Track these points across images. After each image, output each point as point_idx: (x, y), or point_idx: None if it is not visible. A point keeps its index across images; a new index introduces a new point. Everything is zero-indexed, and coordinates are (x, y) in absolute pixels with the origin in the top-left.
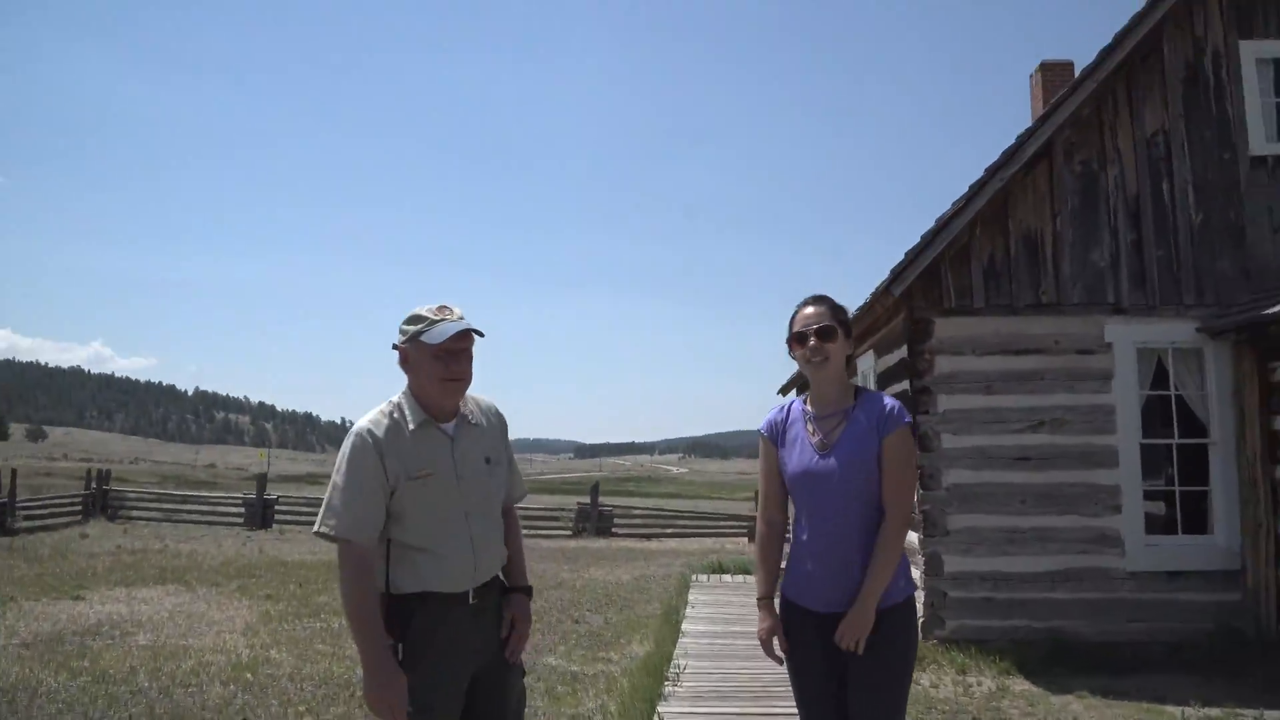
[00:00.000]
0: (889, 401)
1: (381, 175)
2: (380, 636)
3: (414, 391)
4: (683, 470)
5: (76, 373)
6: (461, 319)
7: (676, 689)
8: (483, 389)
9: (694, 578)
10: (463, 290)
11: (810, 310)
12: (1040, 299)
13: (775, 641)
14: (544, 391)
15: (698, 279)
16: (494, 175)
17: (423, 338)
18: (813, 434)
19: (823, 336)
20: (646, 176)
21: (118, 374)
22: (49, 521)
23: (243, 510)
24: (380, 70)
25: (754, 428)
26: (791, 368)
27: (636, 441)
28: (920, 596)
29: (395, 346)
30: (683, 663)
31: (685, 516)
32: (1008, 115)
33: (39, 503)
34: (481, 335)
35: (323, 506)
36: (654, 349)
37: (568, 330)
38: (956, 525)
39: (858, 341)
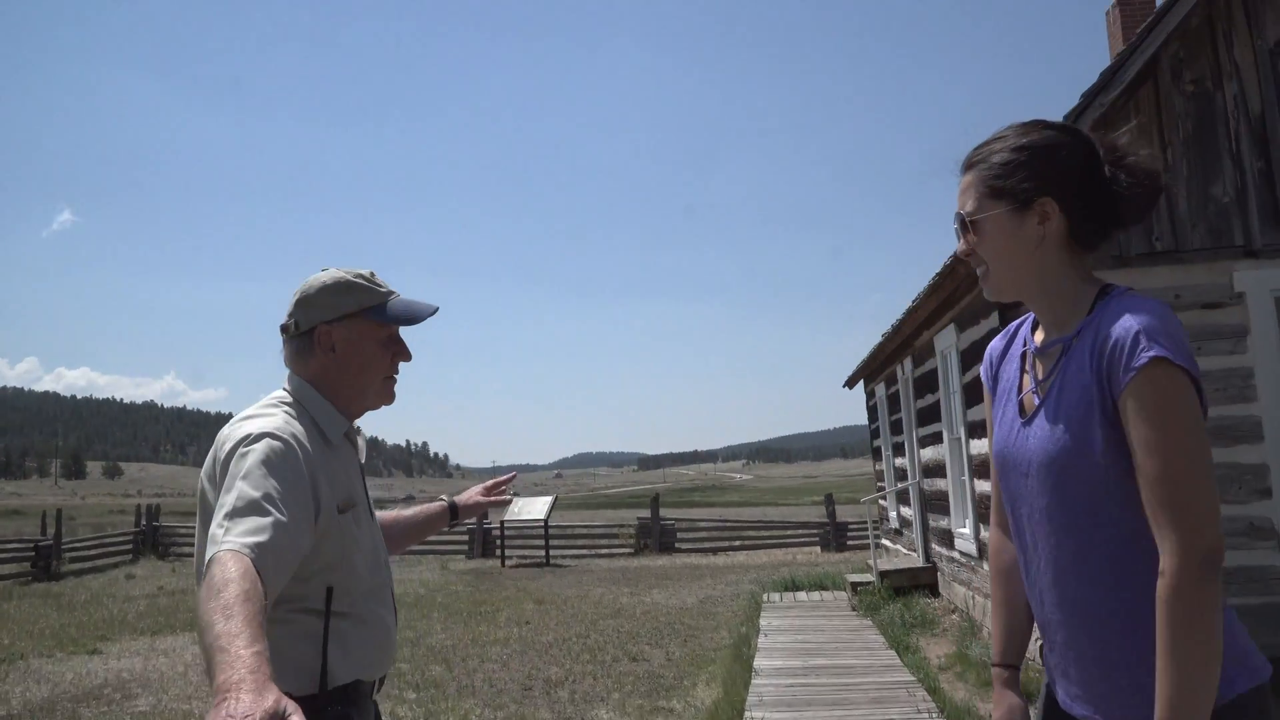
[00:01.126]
0: (1132, 318)
1: (430, 187)
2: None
3: (329, 391)
4: (747, 477)
5: (150, 407)
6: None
7: None
8: (547, 407)
9: (765, 597)
10: (522, 302)
11: (960, 183)
12: (1154, 246)
13: None
14: (606, 404)
15: (753, 280)
16: (538, 181)
17: (374, 315)
18: (1025, 382)
19: (970, 229)
20: (697, 179)
21: (189, 407)
22: (99, 562)
23: None
24: (441, 94)
25: (817, 429)
26: (862, 352)
27: (700, 450)
28: None
29: (297, 327)
30: (757, 716)
31: (752, 527)
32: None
33: (89, 543)
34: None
35: (242, 518)
36: (713, 354)
37: (624, 340)
38: None
39: (934, 316)
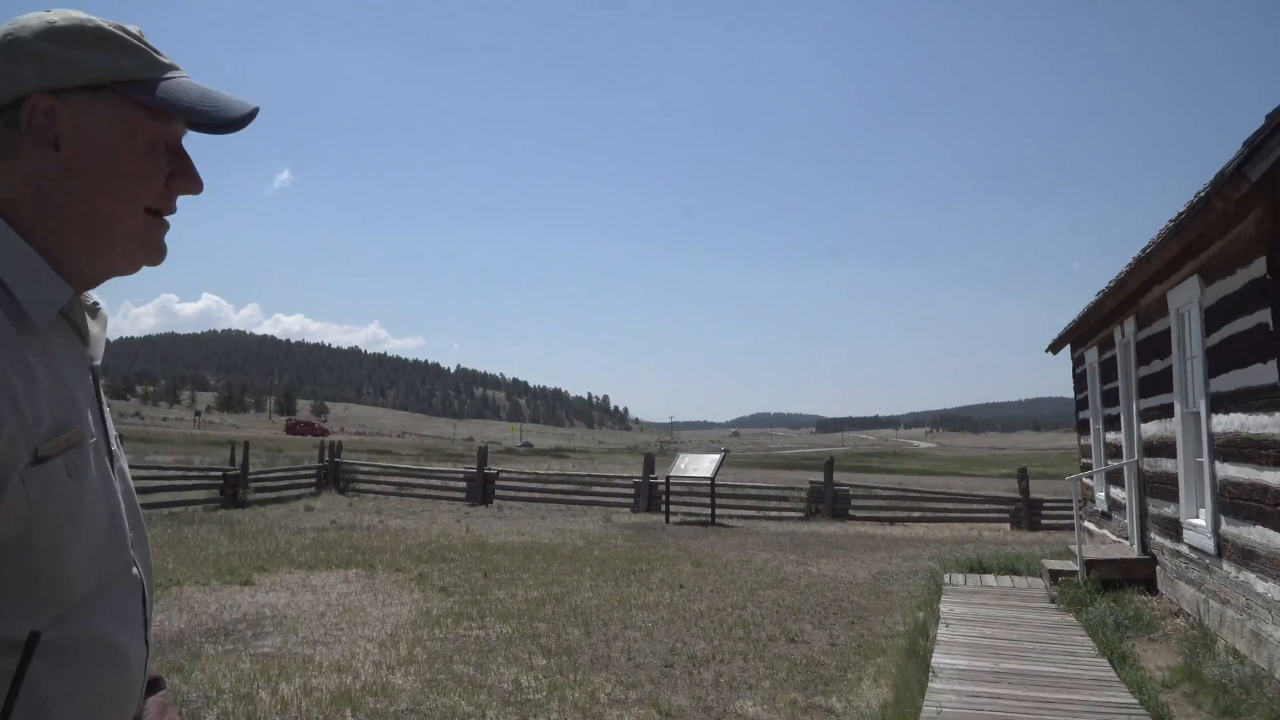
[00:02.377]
0: None
1: (630, 150)
2: None
3: (39, 223)
4: (930, 445)
5: (355, 352)
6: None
7: None
8: (727, 366)
9: (947, 578)
10: (700, 266)
11: None
12: None
13: None
14: (786, 366)
15: (946, 244)
16: (723, 144)
17: (142, 94)
18: None
19: None
20: (883, 139)
21: (390, 353)
22: (283, 493)
23: (464, 485)
24: (643, 41)
25: (1006, 399)
26: (1061, 321)
27: (880, 415)
28: None
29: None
30: None
31: (934, 497)
32: None
33: (275, 474)
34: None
35: None
36: (898, 318)
37: (807, 301)
38: None
39: (1170, 267)
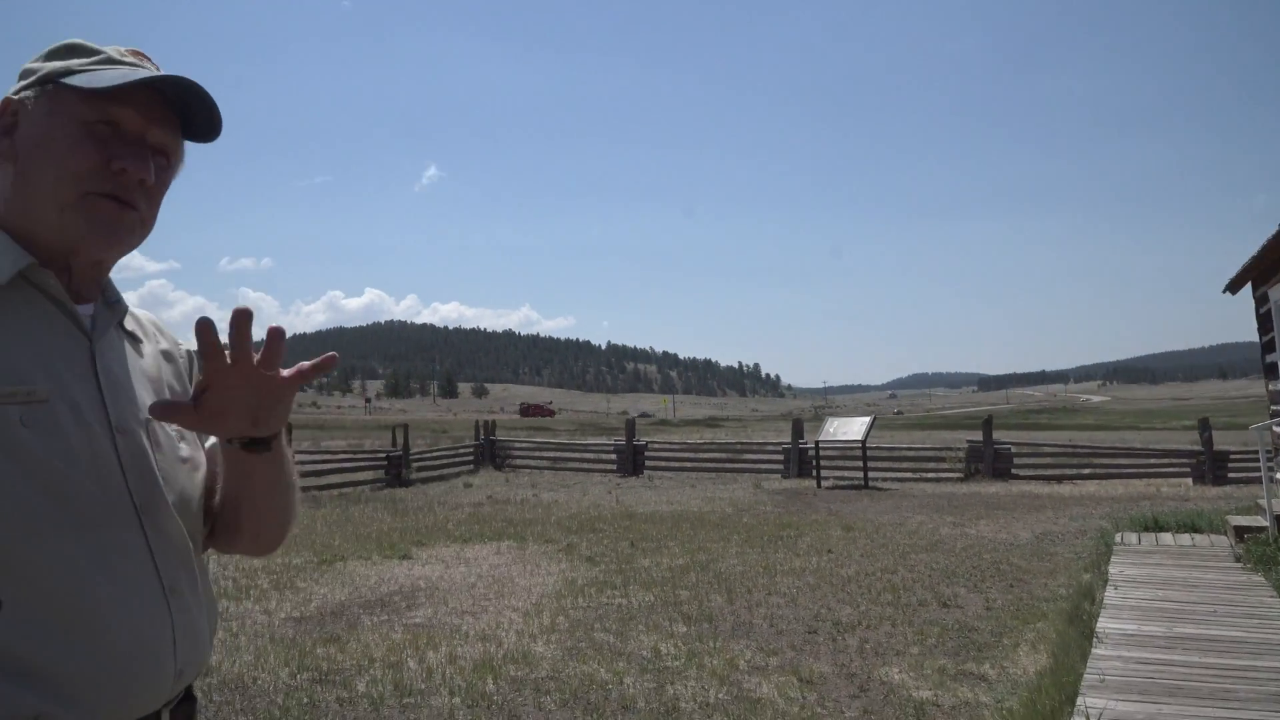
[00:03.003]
0: None
1: (752, 107)
2: None
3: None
4: (1103, 398)
5: (509, 335)
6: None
7: None
8: (881, 327)
9: (1118, 538)
10: (843, 220)
11: None
12: None
13: None
14: (944, 324)
15: (1110, 187)
16: (871, 91)
17: (75, 80)
18: None
19: None
20: (1031, 78)
21: (542, 334)
22: (444, 471)
23: (615, 458)
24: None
25: (1188, 347)
26: (1243, 258)
27: (1048, 370)
28: None
29: None
30: (1095, 704)
31: (1106, 453)
32: None
33: (436, 453)
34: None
35: None
36: (1063, 268)
37: (964, 258)
38: None
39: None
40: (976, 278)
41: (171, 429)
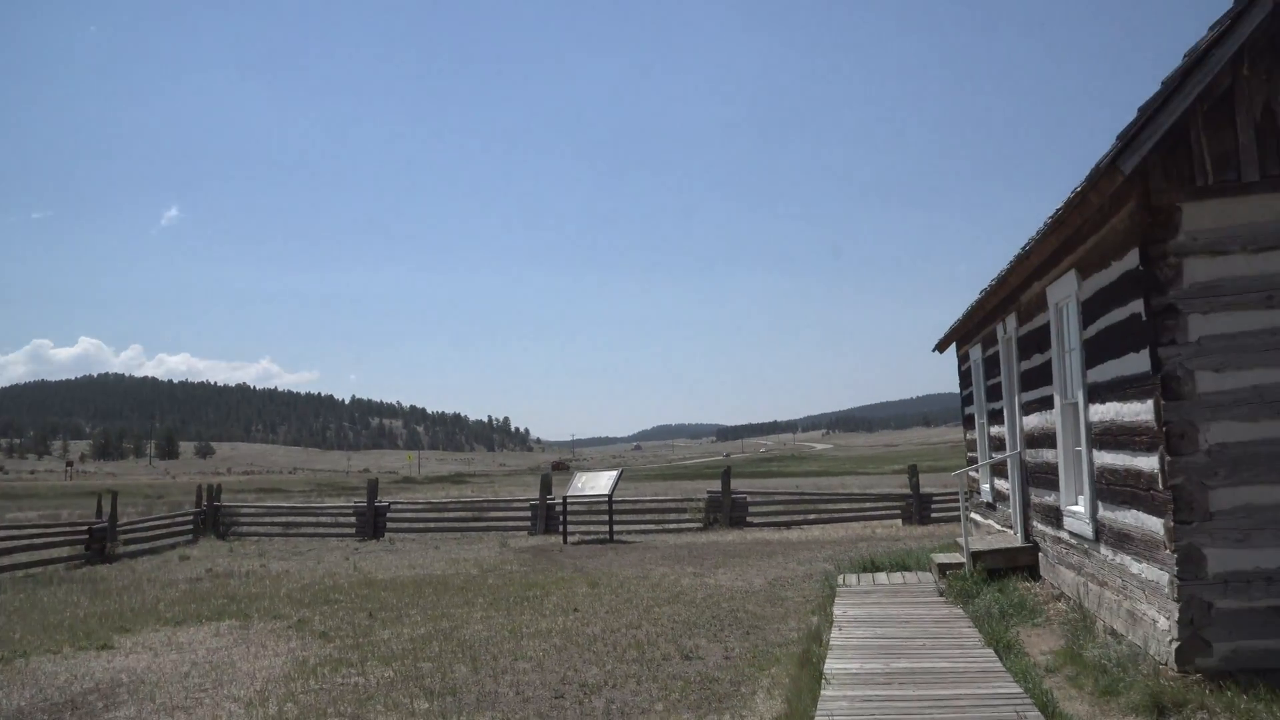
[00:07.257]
0: None
1: (505, 165)
2: None
3: None
4: (826, 446)
5: (243, 389)
6: None
7: None
8: (625, 380)
9: (840, 579)
10: (598, 277)
11: None
12: None
13: None
14: (684, 377)
15: (834, 251)
16: (613, 149)
17: None
18: None
19: None
20: (775, 149)
21: (281, 388)
22: (157, 543)
23: (354, 520)
24: (530, 74)
25: (899, 398)
26: (948, 320)
27: (779, 420)
28: (1171, 611)
29: None
30: None
31: (829, 499)
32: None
33: (147, 524)
34: None
35: None
36: (792, 325)
37: (703, 313)
38: (1224, 504)
39: (1049, 263)
40: (713, 332)
41: None
